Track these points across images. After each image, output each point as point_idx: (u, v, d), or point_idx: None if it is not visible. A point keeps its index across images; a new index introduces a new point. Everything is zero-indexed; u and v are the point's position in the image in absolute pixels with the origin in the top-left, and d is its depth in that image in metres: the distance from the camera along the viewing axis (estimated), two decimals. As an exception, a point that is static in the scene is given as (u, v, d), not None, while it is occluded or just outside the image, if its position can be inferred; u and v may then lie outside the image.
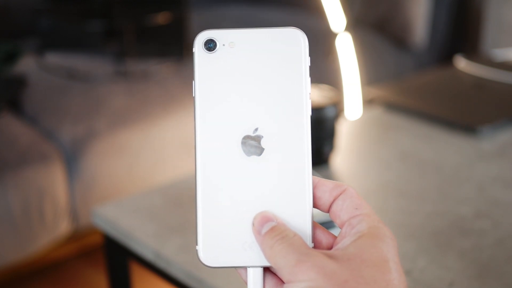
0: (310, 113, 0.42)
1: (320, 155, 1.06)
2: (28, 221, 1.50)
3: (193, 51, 0.43)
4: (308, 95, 0.42)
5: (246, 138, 0.42)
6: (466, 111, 1.29)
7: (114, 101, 1.70)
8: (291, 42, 0.43)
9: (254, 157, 0.42)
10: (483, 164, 1.10)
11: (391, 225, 0.90)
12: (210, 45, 0.43)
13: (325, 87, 1.08)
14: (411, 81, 1.51)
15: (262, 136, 0.42)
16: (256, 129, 0.42)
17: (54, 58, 1.89)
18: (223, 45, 0.42)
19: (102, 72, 1.81)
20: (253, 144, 0.42)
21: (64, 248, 1.75)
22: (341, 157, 1.13)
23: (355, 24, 2.16)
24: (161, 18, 1.86)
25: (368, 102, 1.43)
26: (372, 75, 2.05)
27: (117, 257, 1.01)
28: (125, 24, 1.84)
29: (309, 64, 0.43)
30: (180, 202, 0.99)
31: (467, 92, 1.41)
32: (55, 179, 1.54)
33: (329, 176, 1.05)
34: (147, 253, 0.90)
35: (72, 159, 1.58)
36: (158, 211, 0.97)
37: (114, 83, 1.77)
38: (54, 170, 1.54)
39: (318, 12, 2.06)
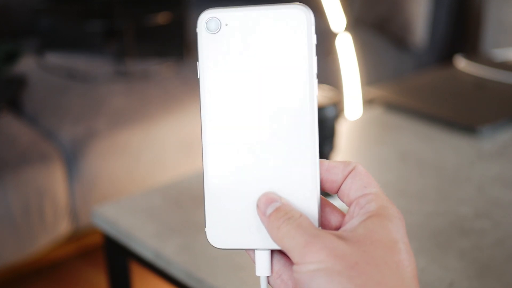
0: (316, 93, 0.41)
1: (320, 155, 1.06)
2: (28, 221, 1.50)
3: (196, 31, 0.42)
4: (315, 74, 0.41)
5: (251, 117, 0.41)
6: (466, 111, 1.29)
7: (114, 101, 1.70)
8: (296, 20, 0.41)
9: (260, 138, 0.41)
10: (483, 164, 1.10)
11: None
12: (213, 25, 0.42)
13: (325, 87, 1.08)
14: (411, 81, 1.51)
15: (268, 116, 0.41)
16: (262, 109, 0.41)
17: (54, 58, 1.89)
18: (226, 25, 0.42)
19: (102, 72, 1.81)
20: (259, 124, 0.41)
21: (64, 248, 1.75)
22: (341, 157, 1.13)
23: (355, 24, 2.16)
24: (161, 18, 1.86)
25: (368, 102, 1.43)
26: (372, 75, 2.05)
27: (117, 257, 1.01)
28: (125, 24, 1.83)
29: (315, 43, 0.41)
30: (180, 202, 0.99)
31: (467, 92, 1.41)
32: (55, 179, 1.54)
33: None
34: (147, 253, 0.90)
35: (72, 159, 1.58)
36: (158, 211, 0.97)
37: (114, 83, 1.77)
38: (54, 170, 1.53)
39: (318, 12, 2.06)
